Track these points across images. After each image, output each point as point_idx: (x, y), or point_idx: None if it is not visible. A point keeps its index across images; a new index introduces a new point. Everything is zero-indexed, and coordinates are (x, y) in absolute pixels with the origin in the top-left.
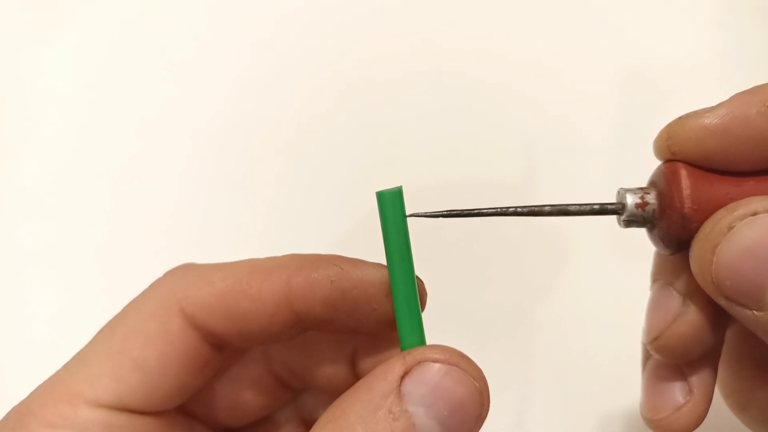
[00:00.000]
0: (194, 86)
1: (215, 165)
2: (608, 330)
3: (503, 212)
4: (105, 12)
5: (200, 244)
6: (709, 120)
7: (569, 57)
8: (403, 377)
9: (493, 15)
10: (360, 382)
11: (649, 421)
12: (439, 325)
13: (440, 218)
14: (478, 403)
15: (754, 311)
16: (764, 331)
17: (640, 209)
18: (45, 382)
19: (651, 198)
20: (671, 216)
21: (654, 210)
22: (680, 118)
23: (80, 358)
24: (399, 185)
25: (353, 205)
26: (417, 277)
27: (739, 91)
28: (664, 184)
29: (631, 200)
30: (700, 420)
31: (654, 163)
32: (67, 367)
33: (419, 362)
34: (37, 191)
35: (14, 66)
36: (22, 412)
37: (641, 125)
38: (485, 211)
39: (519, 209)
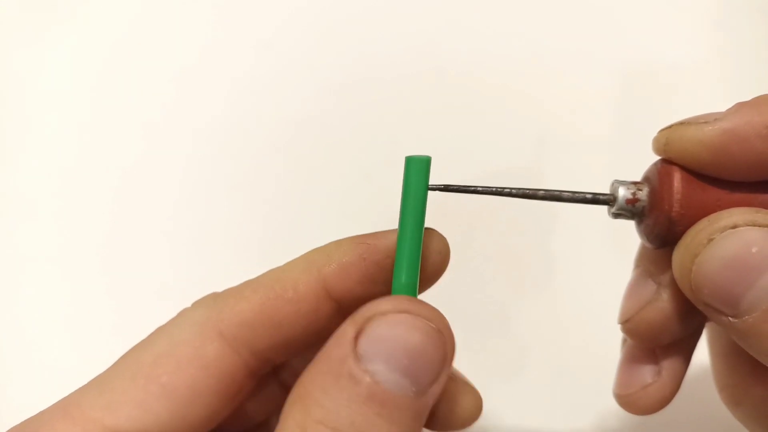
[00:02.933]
0: (195, 86)
1: (216, 165)
2: (605, 324)
3: (498, 192)
4: (106, 12)
5: (202, 244)
6: (708, 134)
7: (569, 56)
8: (357, 338)
9: (493, 15)
10: (318, 355)
11: (618, 397)
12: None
13: (444, 193)
14: (439, 343)
15: (730, 318)
16: (739, 336)
17: (630, 204)
18: (56, 405)
19: (642, 195)
20: (659, 216)
21: (644, 207)
22: (680, 124)
23: (99, 382)
24: (428, 155)
25: (354, 204)
26: (440, 235)
27: (739, 96)
28: (657, 183)
29: (622, 194)
30: (664, 401)
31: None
32: (83, 390)
33: (369, 319)
34: (38, 192)
35: (14, 66)
36: None
37: (641, 125)
38: (480, 189)
39: (513, 191)
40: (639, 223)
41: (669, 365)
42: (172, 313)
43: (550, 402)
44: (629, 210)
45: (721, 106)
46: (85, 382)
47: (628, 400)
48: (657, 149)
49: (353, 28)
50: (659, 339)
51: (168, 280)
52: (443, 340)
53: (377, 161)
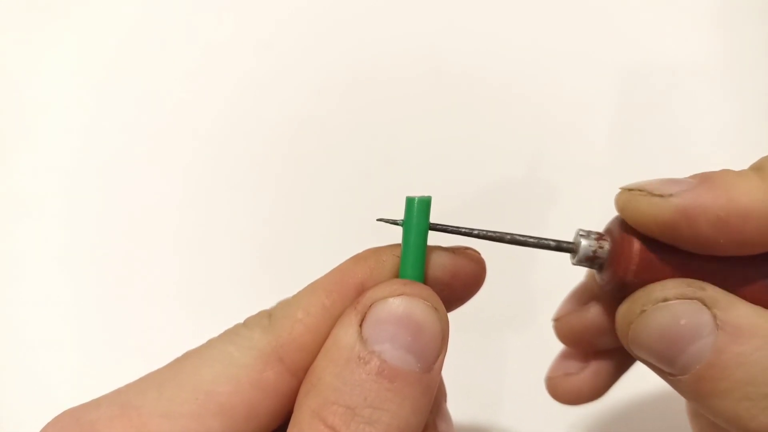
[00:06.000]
0: (196, 86)
1: (217, 165)
2: None
3: (467, 233)
4: (106, 12)
5: (204, 244)
6: (660, 210)
7: (569, 57)
8: (361, 324)
9: (493, 16)
10: (325, 346)
11: (545, 380)
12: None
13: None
14: (436, 319)
15: (669, 376)
16: (679, 390)
17: (589, 258)
18: (111, 400)
19: (603, 252)
20: (614, 277)
21: (602, 263)
22: (634, 193)
23: (158, 385)
24: (429, 195)
25: (354, 204)
26: (475, 252)
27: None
28: (618, 244)
29: (584, 249)
30: (581, 394)
31: (652, 168)
32: (141, 390)
33: (369, 306)
34: (38, 192)
35: (14, 66)
36: (85, 429)
37: (641, 125)
38: (450, 228)
39: (482, 233)
40: (598, 271)
41: (595, 366)
42: (173, 313)
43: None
44: (589, 263)
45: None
46: (140, 378)
47: (550, 383)
48: (616, 209)
49: (354, 29)
50: (578, 344)
51: (169, 280)
52: (439, 316)
53: (377, 161)
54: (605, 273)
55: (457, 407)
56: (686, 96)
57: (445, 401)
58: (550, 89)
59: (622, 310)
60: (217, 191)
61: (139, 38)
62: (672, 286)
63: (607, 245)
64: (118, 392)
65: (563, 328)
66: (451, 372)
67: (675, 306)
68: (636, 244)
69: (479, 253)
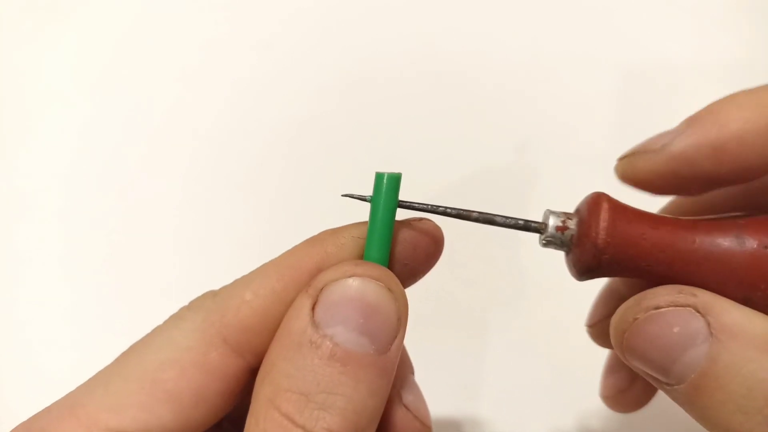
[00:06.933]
0: (195, 86)
1: (217, 165)
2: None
3: (433, 210)
4: (106, 12)
5: (204, 243)
6: (657, 163)
7: (569, 57)
8: (313, 308)
9: (492, 16)
10: (279, 331)
11: (602, 398)
12: (433, 320)
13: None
14: (390, 299)
15: (665, 385)
16: (676, 400)
17: (559, 232)
18: (61, 403)
19: (572, 224)
20: (586, 244)
21: (572, 236)
22: (629, 158)
23: (104, 382)
24: (399, 172)
25: (353, 203)
26: (432, 223)
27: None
28: (585, 212)
29: (552, 222)
30: (639, 404)
31: None
32: (88, 390)
33: (321, 289)
34: (38, 192)
35: (14, 66)
36: None
37: (641, 125)
38: (416, 205)
39: (448, 210)
40: (567, 253)
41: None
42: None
43: (548, 397)
44: (559, 238)
45: None
46: (89, 379)
47: (608, 402)
48: (618, 178)
49: (352, 29)
50: None
51: (169, 280)
52: (393, 296)
53: (377, 160)
54: (576, 248)
55: (442, 401)
56: (686, 96)
57: (413, 374)
58: (549, 89)
59: (615, 319)
60: (217, 191)
61: (138, 38)
62: (663, 293)
63: (575, 219)
64: (67, 396)
65: (602, 332)
66: (439, 365)
67: (667, 314)
68: (605, 204)
69: (434, 223)
